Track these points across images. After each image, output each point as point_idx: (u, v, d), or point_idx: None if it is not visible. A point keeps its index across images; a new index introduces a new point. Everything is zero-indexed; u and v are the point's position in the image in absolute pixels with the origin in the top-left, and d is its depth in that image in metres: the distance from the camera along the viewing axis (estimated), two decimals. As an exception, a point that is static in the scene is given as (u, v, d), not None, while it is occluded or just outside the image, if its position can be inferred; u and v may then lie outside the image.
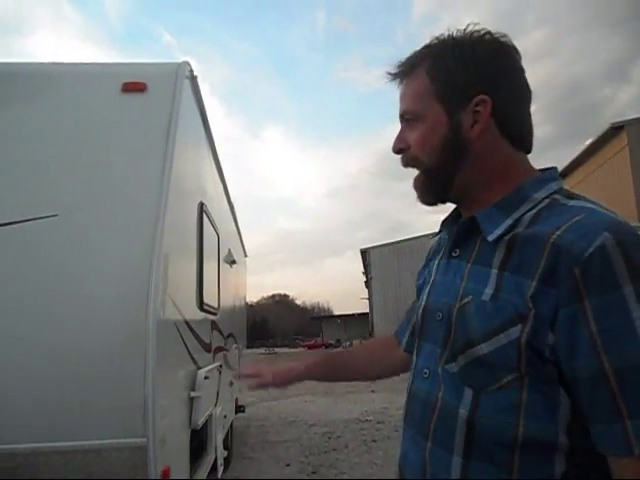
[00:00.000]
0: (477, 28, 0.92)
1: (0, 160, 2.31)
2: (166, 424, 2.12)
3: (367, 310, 36.17)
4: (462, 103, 0.91)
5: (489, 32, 0.92)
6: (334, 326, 57.20)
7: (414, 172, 1.01)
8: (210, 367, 3.36)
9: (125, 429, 1.91)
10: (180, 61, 2.76)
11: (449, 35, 0.94)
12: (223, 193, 5.13)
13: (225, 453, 4.35)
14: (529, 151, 0.97)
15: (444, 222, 1.10)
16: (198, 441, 3.60)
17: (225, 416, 4.62)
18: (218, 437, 4.07)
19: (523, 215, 0.87)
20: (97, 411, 1.94)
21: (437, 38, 0.95)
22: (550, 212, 0.84)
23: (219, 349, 4.31)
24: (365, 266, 35.11)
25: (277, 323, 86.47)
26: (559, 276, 0.75)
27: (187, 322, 2.73)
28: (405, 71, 0.97)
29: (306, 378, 1.31)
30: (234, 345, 6.26)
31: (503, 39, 0.93)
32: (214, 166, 4.26)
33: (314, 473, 5.82)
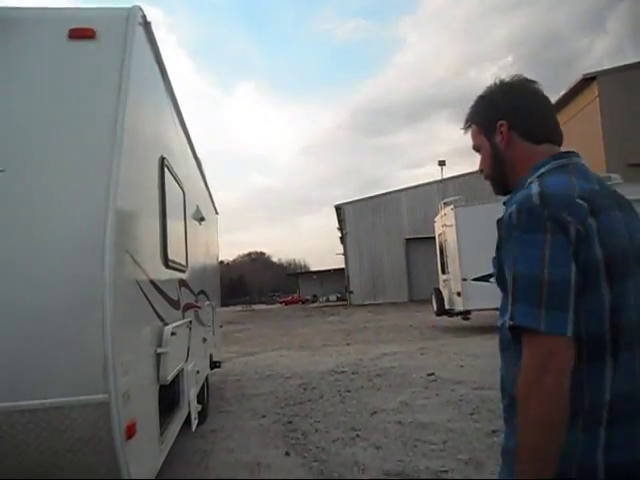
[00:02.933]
0: (499, 79, 1.43)
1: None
2: (130, 380, 2.12)
3: (343, 265, 36.51)
4: (492, 130, 1.41)
5: (504, 79, 1.42)
6: (311, 282, 57.77)
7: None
8: (178, 323, 3.36)
9: (86, 386, 1.90)
10: (131, 6, 2.61)
11: (483, 92, 1.46)
12: (188, 149, 5.00)
13: (199, 407, 4.42)
14: (554, 141, 1.37)
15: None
16: (169, 396, 3.63)
17: (198, 371, 4.67)
18: (191, 392, 4.12)
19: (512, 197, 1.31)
20: (57, 370, 1.92)
21: (477, 97, 1.47)
22: (518, 192, 1.29)
23: (189, 306, 4.31)
24: (340, 222, 35.22)
25: (254, 280, 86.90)
26: (499, 238, 1.27)
27: (150, 278, 2.69)
28: (465, 122, 1.51)
29: None
30: (206, 302, 6.26)
31: (514, 79, 1.42)
32: (176, 120, 4.13)
33: (289, 423, 5.97)
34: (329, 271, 52.01)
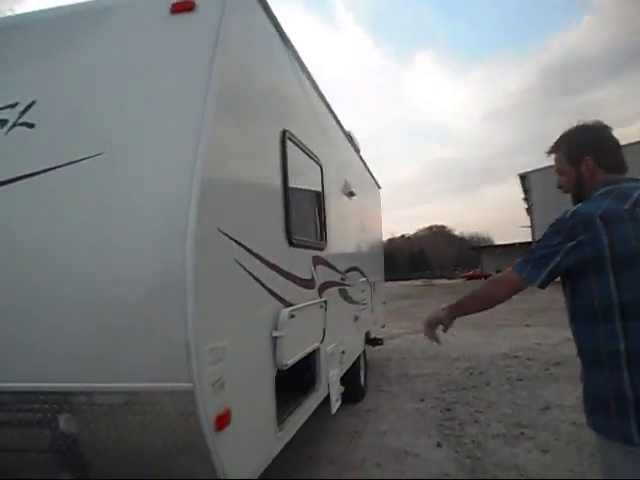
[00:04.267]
0: (582, 121, 1.92)
1: (50, 105, 2.29)
2: (225, 367, 2.01)
3: (529, 239, 33.54)
4: (578, 162, 1.88)
5: (587, 122, 1.92)
6: (494, 256, 54.61)
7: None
8: (306, 304, 3.21)
9: (171, 374, 1.83)
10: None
11: (568, 130, 1.94)
12: (330, 125, 4.80)
13: (342, 389, 4.29)
14: (621, 172, 1.85)
15: None
16: (302, 378, 3.55)
17: (343, 352, 4.53)
18: (331, 373, 4.01)
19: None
20: (143, 357, 1.88)
21: (565, 132, 1.95)
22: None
23: (329, 284, 4.16)
24: (525, 192, 32.30)
25: (434, 254, 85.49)
26: None
27: (264, 258, 2.56)
28: (553, 150, 1.99)
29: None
30: (360, 279, 6.11)
31: (596, 123, 1.91)
32: (310, 94, 3.93)
33: (447, 410, 5.56)
34: (514, 245, 48.41)
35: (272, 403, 2.60)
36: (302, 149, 3.56)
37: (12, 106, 2.34)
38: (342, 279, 4.87)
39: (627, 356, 1.61)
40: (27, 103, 2.33)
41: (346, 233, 5.32)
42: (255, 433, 2.36)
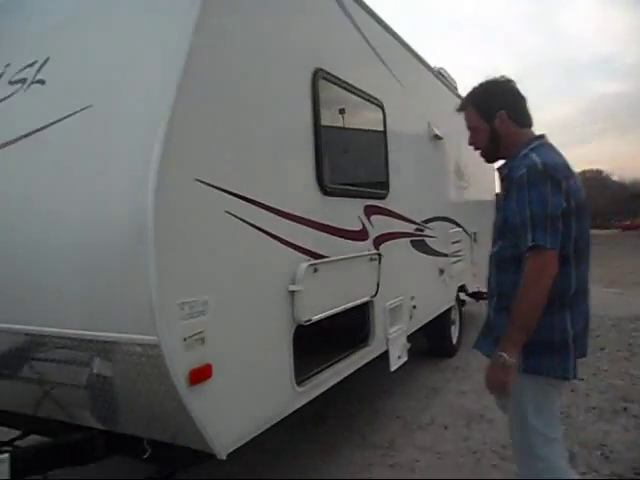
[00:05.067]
0: (493, 77, 2.04)
1: (59, 61, 2.32)
2: (204, 321, 1.95)
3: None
4: (492, 117, 1.99)
5: (497, 78, 2.02)
6: (659, 204, 47.64)
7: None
8: (342, 257, 3.01)
9: (141, 326, 1.81)
10: None
11: (479, 84, 2.05)
12: (399, 61, 4.33)
13: (408, 345, 4.06)
14: (531, 125, 2.03)
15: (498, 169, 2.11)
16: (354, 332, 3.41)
17: (415, 306, 4.27)
18: (392, 328, 3.80)
19: (514, 163, 1.93)
20: (118, 306, 1.88)
21: (474, 88, 2.06)
22: (519, 160, 1.90)
23: (393, 236, 3.88)
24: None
25: (587, 202, 77.07)
26: (511, 185, 1.87)
27: (273, 208, 2.41)
28: (463, 107, 2.09)
29: None
30: (452, 230, 5.67)
31: (503, 78, 2.02)
32: (364, 30, 3.54)
33: (544, 375, 5.03)
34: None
35: (287, 358, 2.51)
36: (348, 89, 3.26)
37: (31, 65, 2.43)
38: (418, 230, 4.53)
39: (572, 297, 1.88)
40: (42, 61, 2.40)
41: (425, 180, 4.90)
42: (256, 389, 2.29)
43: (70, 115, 2.12)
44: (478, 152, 2.11)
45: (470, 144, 2.11)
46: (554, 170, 1.80)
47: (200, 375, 1.94)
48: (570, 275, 1.85)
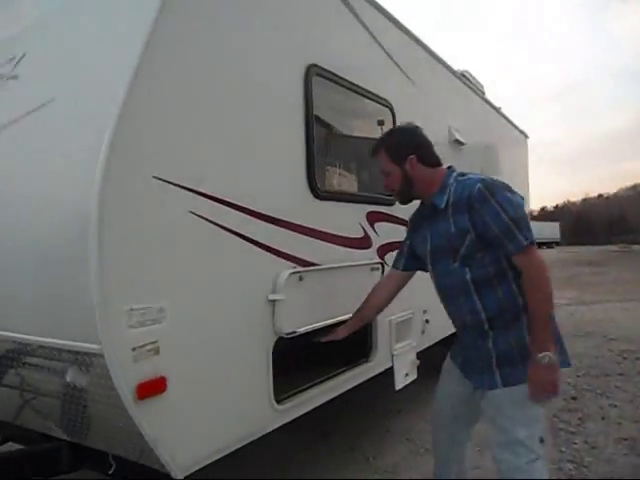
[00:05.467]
0: (401, 124, 2.36)
1: (33, 56, 2.24)
2: (159, 330, 1.79)
3: None
4: (403, 160, 2.11)
5: (405, 125, 2.28)
6: None
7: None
8: (334, 266, 2.81)
9: (87, 334, 1.67)
10: None
11: (389, 131, 2.41)
12: (415, 62, 4.12)
13: (417, 362, 3.79)
14: (440, 164, 2.17)
15: (417, 212, 2.32)
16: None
17: (428, 321, 4.00)
18: (398, 344, 3.55)
19: (449, 192, 2.04)
20: (68, 312, 1.76)
21: (384, 135, 2.32)
22: (457, 186, 2.03)
23: (392, 245, 3.64)
24: None
25: (639, 217, 73.89)
26: (469, 206, 1.93)
27: (253, 211, 2.24)
28: (375, 152, 2.21)
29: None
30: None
31: (410, 125, 2.26)
32: (371, 25, 3.35)
33: (573, 399, 4.65)
34: None
35: (265, 373, 2.33)
36: (350, 88, 3.08)
37: (10, 60, 2.36)
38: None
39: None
40: (20, 56, 2.33)
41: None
42: (224, 406, 2.11)
43: (31, 112, 2.03)
44: (392, 194, 2.31)
45: (385, 187, 2.25)
46: (501, 182, 2.02)
47: (150, 389, 1.78)
48: (514, 290, 2.00)
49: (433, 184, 2.10)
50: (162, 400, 1.82)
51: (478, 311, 2.00)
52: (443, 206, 2.05)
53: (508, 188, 1.97)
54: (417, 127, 2.22)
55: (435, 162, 2.15)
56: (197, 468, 1.97)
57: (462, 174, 2.09)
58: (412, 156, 2.09)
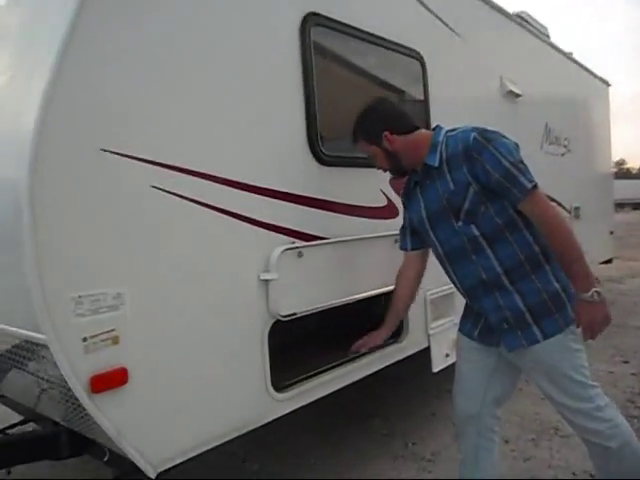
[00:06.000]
0: (364, 104, 2.10)
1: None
2: (117, 318, 1.63)
3: None
4: (379, 139, 2.02)
5: (370, 103, 2.10)
6: None
7: None
8: (345, 239, 2.51)
9: (34, 323, 1.55)
10: None
11: (358, 115, 2.09)
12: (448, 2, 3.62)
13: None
14: (417, 127, 2.05)
15: (409, 180, 2.14)
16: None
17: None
18: (436, 322, 3.23)
19: (441, 149, 1.92)
20: (16, 300, 1.65)
21: (354, 121, 2.10)
22: (449, 141, 1.91)
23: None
24: None
25: None
26: (467, 157, 1.83)
27: (237, 183, 2.02)
28: (354, 140, 2.14)
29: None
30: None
31: (373, 101, 2.11)
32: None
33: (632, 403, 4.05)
34: None
35: (259, 359, 2.13)
36: (362, 38, 2.73)
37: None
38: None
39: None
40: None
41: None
42: (207, 396, 1.93)
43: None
44: (388, 174, 2.22)
45: (377, 169, 2.19)
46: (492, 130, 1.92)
47: (108, 381, 1.64)
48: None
49: (420, 148, 1.98)
50: (124, 393, 1.68)
51: (494, 266, 1.89)
52: (437, 164, 1.93)
53: (502, 134, 1.88)
54: (380, 100, 2.17)
55: (410, 127, 2.04)
56: (172, 464, 1.82)
57: (452, 130, 1.97)
58: (385, 132, 2.00)
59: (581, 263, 1.78)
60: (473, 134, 1.84)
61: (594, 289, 1.75)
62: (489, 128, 1.91)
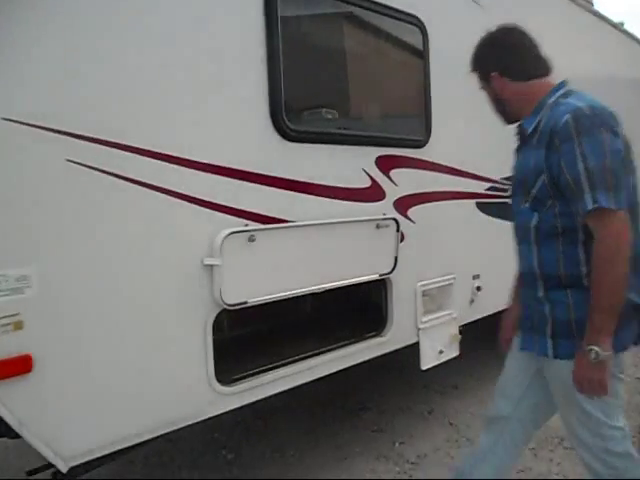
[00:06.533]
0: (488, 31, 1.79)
1: None
2: (20, 302, 1.50)
3: None
4: (488, 79, 1.77)
5: (490, 33, 1.78)
6: None
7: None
8: (315, 222, 2.31)
9: None
10: None
11: (477, 45, 1.80)
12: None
13: (458, 337, 3.16)
14: (546, 74, 1.72)
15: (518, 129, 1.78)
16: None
17: (479, 288, 3.33)
18: (427, 316, 2.98)
19: (542, 115, 1.62)
20: None
21: (474, 48, 1.82)
22: (552, 111, 1.59)
23: (437, 196, 3.01)
24: None
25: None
26: (549, 141, 1.55)
27: (173, 157, 1.85)
28: (472, 70, 1.85)
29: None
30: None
31: (497, 31, 1.77)
32: None
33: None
34: None
35: (201, 349, 1.97)
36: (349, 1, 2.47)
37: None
38: (493, 189, 3.50)
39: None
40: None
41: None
42: (132, 387, 1.80)
43: None
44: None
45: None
46: (606, 114, 1.54)
47: (9, 369, 1.53)
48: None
49: (528, 103, 1.70)
50: (27, 381, 1.56)
51: (533, 264, 1.70)
52: (530, 130, 1.67)
53: (610, 126, 1.51)
54: (506, 32, 1.78)
55: (529, 74, 1.72)
56: (89, 458, 1.71)
57: (568, 93, 1.64)
58: (494, 72, 1.74)
59: (603, 317, 1.50)
60: (567, 116, 1.51)
61: (594, 347, 1.48)
62: (600, 110, 1.53)
